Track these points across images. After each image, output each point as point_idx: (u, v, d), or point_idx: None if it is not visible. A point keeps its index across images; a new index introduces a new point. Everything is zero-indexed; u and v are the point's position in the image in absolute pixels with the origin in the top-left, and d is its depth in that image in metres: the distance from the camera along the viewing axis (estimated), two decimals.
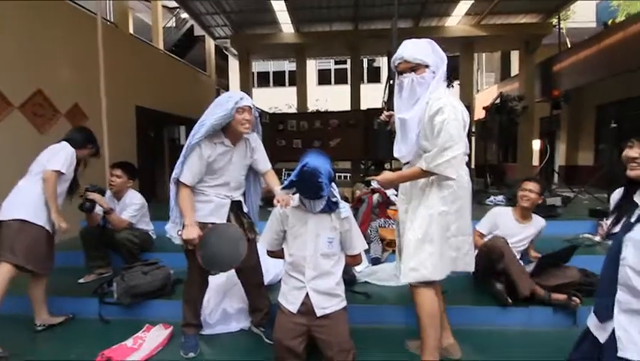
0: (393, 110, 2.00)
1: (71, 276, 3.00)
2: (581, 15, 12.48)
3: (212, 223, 2.02)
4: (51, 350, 2.20)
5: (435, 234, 1.70)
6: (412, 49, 1.72)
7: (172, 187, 2.06)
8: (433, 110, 1.66)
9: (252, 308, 2.32)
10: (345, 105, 10.20)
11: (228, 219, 2.08)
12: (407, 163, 1.91)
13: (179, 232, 2.00)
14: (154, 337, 2.22)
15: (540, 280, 2.46)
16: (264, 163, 2.22)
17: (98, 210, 2.97)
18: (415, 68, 1.71)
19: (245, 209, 2.20)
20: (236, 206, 2.13)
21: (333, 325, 1.72)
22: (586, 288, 2.45)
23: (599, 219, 3.63)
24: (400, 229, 1.96)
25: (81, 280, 2.94)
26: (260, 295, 2.29)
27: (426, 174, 1.68)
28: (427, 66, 1.71)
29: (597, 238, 3.44)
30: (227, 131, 2.02)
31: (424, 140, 1.73)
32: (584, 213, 4.12)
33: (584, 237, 3.47)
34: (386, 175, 1.84)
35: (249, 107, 1.99)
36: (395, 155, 1.92)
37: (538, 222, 2.75)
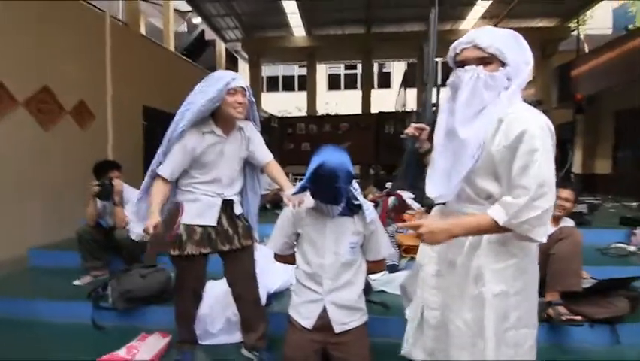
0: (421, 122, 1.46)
1: (66, 277, 2.83)
2: (597, 21, 12.19)
3: (199, 226, 1.76)
4: (39, 357, 2.03)
5: (488, 325, 1.15)
6: (489, 35, 1.16)
7: (147, 180, 1.78)
8: (512, 133, 1.09)
9: (245, 328, 1.96)
10: (355, 110, 10.06)
11: (219, 222, 1.79)
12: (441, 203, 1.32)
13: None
14: (150, 347, 2.02)
15: (582, 307, 2.14)
16: (262, 154, 1.90)
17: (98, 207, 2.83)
18: (487, 61, 1.15)
19: (238, 210, 1.89)
20: (228, 206, 1.84)
21: (353, 342, 1.50)
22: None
23: (632, 228, 3.38)
24: (425, 295, 1.35)
25: (76, 282, 2.76)
26: (256, 312, 1.96)
27: (500, 230, 1.09)
28: (503, 64, 1.15)
29: (632, 248, 3.19)
30: (218, 117, 1.74)
31: (486, 177, 1.15)
32: (614, 221, 3.87)
33: (617, 246, 3.23)
34: (435, 225, 1.14)
35: (242, 88, 1.72)
36: (430, 193, 1.29)
37: (568, 223, 2.52)
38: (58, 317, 2.40)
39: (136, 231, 1.86)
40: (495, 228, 1.09)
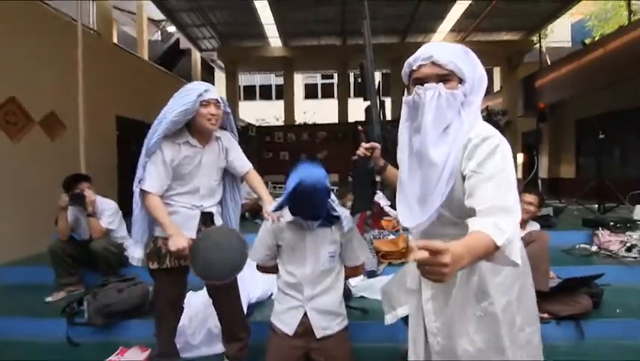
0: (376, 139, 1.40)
1: (38, 294, 2.73)
2: (557, 35, 13.01)
3: None
4: None
5: (505, 340, 1.13)
6: (446, 50, 1.11)
7: (136, 198, 1.73)
8: (480, 153, 1.04)
9: (228, 339, 1.94)
10: (331, 119, 10.21)
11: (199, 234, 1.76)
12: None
13: (158, 245, 1.74)
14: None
15: (549, 305, 2.27)
16: (241, 163, 1.90)
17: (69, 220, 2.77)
18: (447, 78, 1.10)
19: (219, 221, 1.88)
20: (207, 218, 1.83)
21: (335, 347, 1.54)
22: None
23: (593, 229, 3.61)
24: (425, 322, 1.25)
25: (49, 299, 2.67)
26: (237, 321, 1.95)
27: (495, 253, 0.94)
28: (460, 81, 1.11)
29: (593, 248, 3.40)
30: (193, 128, 1.74)
31: (462, 200, 1.08)
32: (577, 223, 4.11)
33: (580, 247, 3.44)
34: (457, 252, 0.82)
35: (216, 100, 1.73)
36: (405, 223, 1.19)
37: (534, 227, 2.67)
38: (32, 335, 2.32)
39: (136, 256, 1.81)
40: (493, 251, 0.95)
